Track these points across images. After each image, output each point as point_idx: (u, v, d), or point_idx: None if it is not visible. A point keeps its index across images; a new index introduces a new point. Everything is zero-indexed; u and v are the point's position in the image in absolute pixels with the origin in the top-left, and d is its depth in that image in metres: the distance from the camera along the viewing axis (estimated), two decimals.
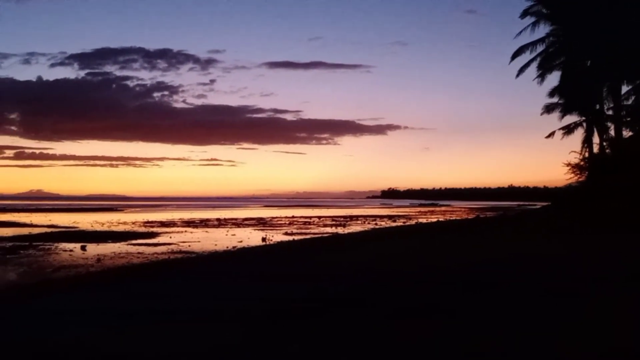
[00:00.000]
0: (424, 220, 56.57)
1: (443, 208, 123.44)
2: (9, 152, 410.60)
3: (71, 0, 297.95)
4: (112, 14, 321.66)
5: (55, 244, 27.16)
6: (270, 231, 39.47)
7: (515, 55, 39.84)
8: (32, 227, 43.13)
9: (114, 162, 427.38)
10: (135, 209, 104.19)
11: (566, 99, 40.41)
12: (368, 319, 8.41)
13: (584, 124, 40.89)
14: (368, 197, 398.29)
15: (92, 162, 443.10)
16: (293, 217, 66.92)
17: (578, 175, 41.88)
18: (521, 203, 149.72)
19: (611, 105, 40.37)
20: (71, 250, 24.29)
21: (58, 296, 11.13)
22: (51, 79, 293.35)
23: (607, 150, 39.81)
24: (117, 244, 27.80)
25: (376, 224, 49.77)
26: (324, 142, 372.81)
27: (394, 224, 49.29)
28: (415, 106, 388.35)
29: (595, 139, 40.27)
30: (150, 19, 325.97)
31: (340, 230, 40.92)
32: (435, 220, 57.19)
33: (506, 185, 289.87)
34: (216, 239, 31.84)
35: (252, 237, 33.31)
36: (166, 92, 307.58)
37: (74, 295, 11.11)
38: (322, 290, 10.78)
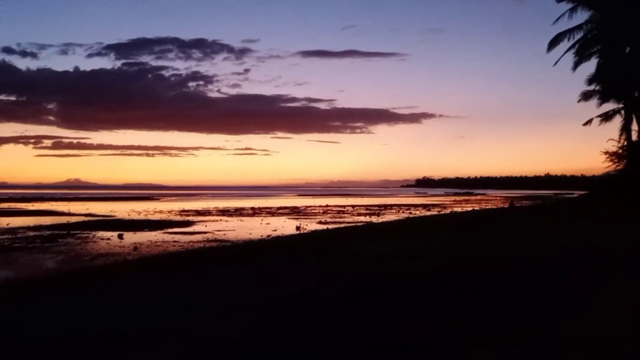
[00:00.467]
0: (459, 209, 56.16)
1: (478, 197, 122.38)
2: (47, 142, 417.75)
3: None
4: (147, 5, 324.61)
5: (93, 233, 27.54)
6: (304, 220, 39.53)
7: (552, 42, 39.06)
8: (70, 215, 43.85)
9: (150, 152, 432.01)
10: (171, 198, 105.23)
11: (604, 86, 39.62)
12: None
13: (622, 111, 40.03)
14: (402, 186, 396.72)
15: (128, 151, 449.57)
16: (327, 206, 66.95)
17: (616, 164, 41.15)
18: (558, 192, 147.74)
19: None
20: (108, 239, 24.60)
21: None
22: (88, 69, 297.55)
23: None
24: (154, 233, 28.09)
25: (410, 213, 49.55)
26: (358, 131, 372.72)
27: (428, 213, 48.99)
28: (450, 94, 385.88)
29: (634, 126, 39.37)
30: (185, 9, 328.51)
31: (374, 219, 40.82)
32: (470, 209, 56.75)
33: (543, 174, 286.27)
34: (251, 228, 31.99)
35: (286, 226, 33.39)
36: (201, 82, 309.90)
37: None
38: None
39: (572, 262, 12.58)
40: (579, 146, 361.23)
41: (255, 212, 51.51)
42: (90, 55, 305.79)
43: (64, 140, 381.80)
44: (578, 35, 38.01)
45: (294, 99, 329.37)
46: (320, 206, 65.34)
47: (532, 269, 11.65)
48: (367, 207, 63.54)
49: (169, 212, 51.19)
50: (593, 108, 41.83)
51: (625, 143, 39.64)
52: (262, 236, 25.99)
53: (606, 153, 41.13)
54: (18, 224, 32.85)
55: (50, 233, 27.18)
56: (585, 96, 41.32)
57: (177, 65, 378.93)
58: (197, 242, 23.67)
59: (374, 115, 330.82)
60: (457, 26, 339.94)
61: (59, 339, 6.68)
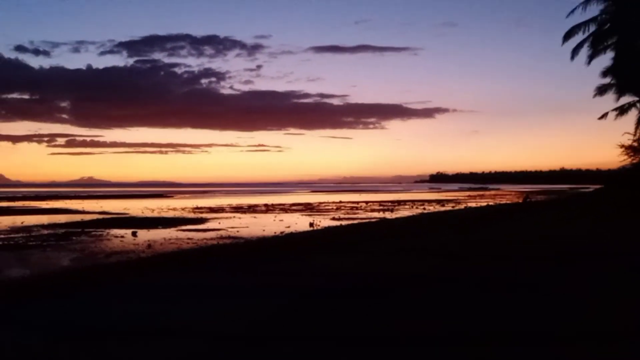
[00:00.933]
0: (474, 204, 55.89)
1: (493, 192, 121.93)
2: (61, 140, 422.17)
3: None
4: (159, 1, 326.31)
5: (107, 230, 27.62)
6: (317, 216, 39.50)
7: (567, 36, 38.66)
8: (84, 213, 44.05)
9: (163, 149, 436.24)
10: (184, 195, 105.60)
11: (620, 80, 39.21)
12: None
13: (638, 105, 39.64)
14: (416, 182, 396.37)
15: (141, 149, 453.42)
16: (340, 202, 66.89)
17: (632, 157, 40.81)
18: (573, 186, 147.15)
19: None
20: (122, 236, 24.65)
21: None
22: (100, 67, 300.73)
23: None
24: (167, 230, 28.14)
25: (424, 209, 49.37)
26: (371, 126, 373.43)
27: (442, 209, 48.81)
28: (463, 88, 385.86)
29: None
30: (196, 6, 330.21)
31: (388, 215, 40.71)
32: (484, 204, 56.49)
33: (558, 168, 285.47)
34: (264, 225, 31.98)
35: (299, 222, 33.36)
36: (213, 79, 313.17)
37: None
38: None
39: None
40: (594, 140, 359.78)
41: (268, 208, 51.53)
42: (102, 53, 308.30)
43: (77, 138, 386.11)
44: (592, 28, 37.60)
45: (307, 95, 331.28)
46: (333, 202, 65.30)
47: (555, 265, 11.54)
48: (380, 203, 63.42)
49: (183, 209, 51.31)
50: (608, 102, 41.42)
51: None
52: (275, 233, 25.94)
53: (622, 146, 40.81)
54: (32, 222, 33.01)
55: (65, 231, 27.28)
56: (601, 91, 40.87)
57: (190, 62, 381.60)
58: (211, 239, 23.67)
59: (387, 111, 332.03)
60: (470, 20, 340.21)
61: (73, 336, 6.64)
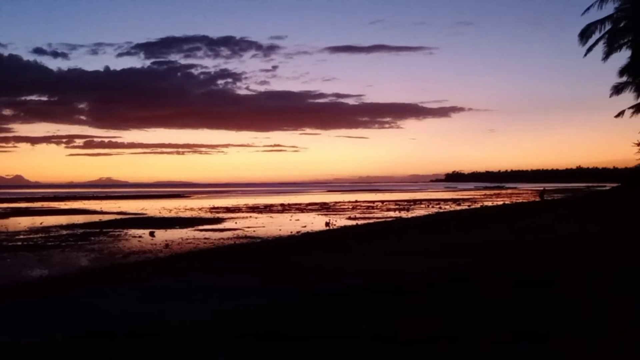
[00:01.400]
0: (490, 204, 55.70)
1: (509, 191, 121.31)
2: (79, 141, 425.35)
3: None
4: (176, 3, 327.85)
5: (125, 230, 27.83)
6: (333, 216, 39.54)
7: (583, 33, 38.43)
8: (102, 214, 44.38)
9: (180, 150, 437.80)
10: (201, 195, 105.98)
11: (637, 78, 38.90)
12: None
13: None
14: (432, 181, 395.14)
15: (159, 149, 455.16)
16: (356, 201, 66.88)
17: None
18: (590, 184, 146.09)
19: None
20: (140, 236, 24.84)
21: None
22: (118, 68, 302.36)
23: None
24: (184, 230, 28.31)
25: (440, 208, 49.27)
26: (387, 125, 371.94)
27: (458, 208, 48.69)
28: (479, 87, 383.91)
29: None
30: (213, 7, 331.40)
31: (404, 214, 40.68)
32: (501, 203, 56.30)
33: (574, 167, 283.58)
34: (280, 224, 32.08)
35: (315, 222, 33.43)
36: (230, 80, 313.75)
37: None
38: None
39: None
40: (611, 138, 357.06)
41: (284, 208, 51.64)
42: (120, 55, 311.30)
43: (95, 139, 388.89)
44: (608, 26, 37.35)
45: (322, 95, 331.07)
46: (349, 202, 65.30)
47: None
48: (396, 202, 63.34)
49: (199, 209, 51.54)
50: (624, 100, 41.17)
51: None
52: (291, 232, 26.03)
53: (638, 144, 40.52)
54: (51, 223, 33.32)
55: (83, 231, 27.52)
56: (617, 89, 40.55)
57: (206, 63, 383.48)
58: (227, 239, 23.79)
59: (403, 110, 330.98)
60: (485, 19, 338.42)
61: (85, 334, 6.75)
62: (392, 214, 41.75)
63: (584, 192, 72.23)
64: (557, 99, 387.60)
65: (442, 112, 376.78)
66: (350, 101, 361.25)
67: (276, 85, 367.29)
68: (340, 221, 34.05)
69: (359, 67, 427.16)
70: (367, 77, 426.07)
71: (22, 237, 25.17)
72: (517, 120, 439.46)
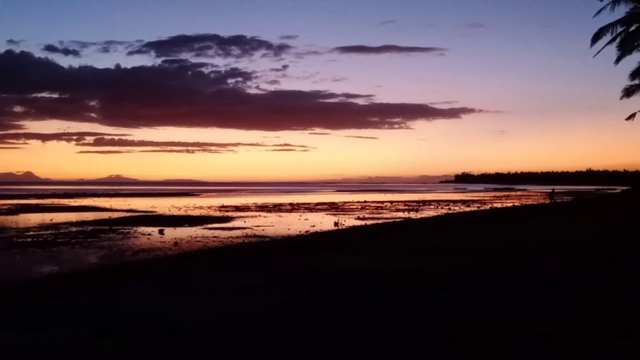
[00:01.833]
0: (499, 205, 55.58)
1: (519, 192, 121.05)
2: (90, 139, 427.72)
3: None
4: (187, 2, 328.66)
5: (134, 228, 27.92)
6: (342, 216, 39.55)
7: (595, 37, 38.29)
8: (112, 211, 44.56)
9: (190, 148, 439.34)
10: (210, 194, 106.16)
11: None
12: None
13: None
14: (441, 182, 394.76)
15: (168, 147, 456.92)
16: (365, 201, 66.85)
17: None
18: (600, 187, 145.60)
19: None
20: (149, 234, 24.91)
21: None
22: (129, 66, 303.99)
23: None
24: (194, 228, 28.37)
25: (449, 209, 49.19)
26: (396, 126, 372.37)
27: (467, 209, 48.60)
28: (490, 89, 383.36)
29: None
30: (223, 6, 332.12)
31: (412, 215, 40.64)
32: (510, 204, 56.15)
33: (584, 169, 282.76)
34: (289, 224, 32.10)
35: (324, 222, 33.44)
36: (240, 79, 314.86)
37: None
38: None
39: None
40: (622, 141, 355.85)
41: (293, 207, 51.69)
42: (130, 53, 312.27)
43: (105, 137, 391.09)
44: (620, 29, 37.19)
45: (332, 95, 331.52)
46: (358, 202, 65.29)
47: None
48: (405, 203, 63.27)
49: (209, 207, 51.66)
50: (636, 102, 40.98)
51: None
52: (300, 232, 26.07)
53: None
54: (61, 220, 33.49)
55: (93, 228, 27.64)
56: (628, 92, 40.37)
57: (217, 62, 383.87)
58: (236, 237, 23.84)
59: (413, 111, 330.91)
60: (496, 20, 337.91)
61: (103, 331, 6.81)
62: (401, 214, 41.72)
63: (593, 195, 71.90)
64: (567, 101, 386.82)
65: (452, 113, 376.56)
66: (360, 101, 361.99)
67: (286, 85, 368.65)
68: (349, 221, 34.06)
69: (369, 67, 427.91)
70: (377, 77, 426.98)
71: (32, 233, 25.31)
72: (528, 122, 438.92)
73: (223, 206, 54.17)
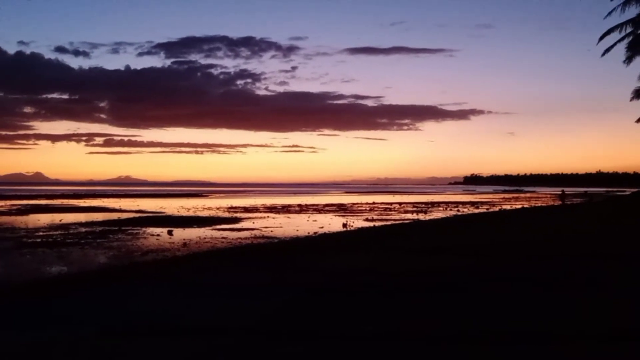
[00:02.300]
0: (508, 207, 55.46)
1: (528, 194, 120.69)
2: (99, 140, 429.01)
3: None
4: (196, 3, 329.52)
5: (143, 229, 28.01)
6: (351, 217, 39.53)
7: (603, 37, 38.18)
8: (121, 212, 44.72)
9: (199, 149, 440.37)
10: (219, 195, 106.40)
11: None
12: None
13: None
14: (450, 183, 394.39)
15: (177, 148, 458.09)
16: (374, 203, 66.80)
17: None
18: (610, 189, 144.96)
19: None
20: (158, 235, 24.98)
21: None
22: (139, 67, 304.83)
23: None
24: (202, 229, 28.44)
25: (458, 211, 49.10)
26: (405, 127, 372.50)
27: (476, 211, 48.48)
28: (499, 90, 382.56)
29: None
30: (233, 8, 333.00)
31: (421, 216, 40.59)
32: (519, 206, 56.00)
33: (594, 171, 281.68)
34: (298, 225, 32.12)
35: (333, 223, 33.43)
36: (249, 80, 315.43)
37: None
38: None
39: None
40: (632, 142, 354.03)
41: (302, 209, 51.71)
42: (140, 54, 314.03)
43: (115, 137, 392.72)
44: (630, 29, 37.03)
45: (341, 96, 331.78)
46: (366, 203, 65.24)
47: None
48: (414, 204, 63.21)
49: (217, 208, 51.76)
50: None
51: None
52: (308, 233, 26.08)
53: None
54: (71, 220, 33.65)
55: (102, 229, 27.75)
56: (638, 94, 40.24)
57: (226, 64, 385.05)
58: (245, 238, 23.88)
59: (422, 112, 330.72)
60: (506, 22, 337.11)
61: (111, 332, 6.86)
62: (409, 215, 41.68)
63: (603, 197, 71.54)
64: (577, 102, 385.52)
65: (462, 114, 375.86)
66: (369, 102, 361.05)
67: (295, 86, 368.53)
68: (357, 222, 34.06)
69: (378, 68, 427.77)
70: (386, 78, 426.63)
71: (41, 233, 25.44)
72: (537, 124, 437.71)
73: (232, 207, 54.28)
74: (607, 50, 38.03)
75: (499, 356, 5.77)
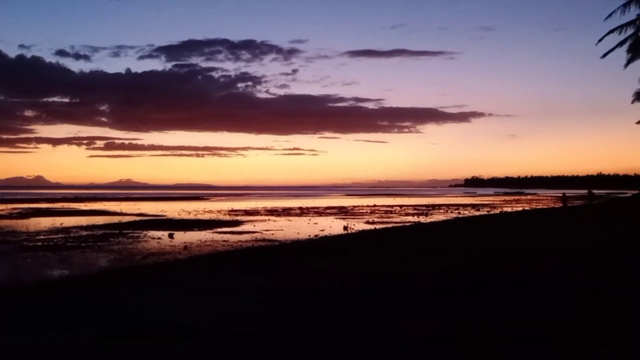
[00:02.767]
0: (509, 209, 55.45)
1: (529, 197, 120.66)
2: (100, 143, 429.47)
3: None
4: (197, 7, 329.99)
5: (144, 232, 28.02)
6: (351, 220, 39.53)
7: (603, 39, 38.19)
8: (122, 215, 44.74)
9: (199, 152, 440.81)
10: (220, 198, 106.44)
11: None
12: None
13: None
14: (451, 186, 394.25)
15: (178, 152, 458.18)
16: (375, 205, 66.79)
17: None
18: (611, 191, 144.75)
19: None
20: (159, 238, 24.99)
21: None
22: (139, 71, 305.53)
23: None
24: (203, 232, 28.45)
25: (459, 213, 49.10)
26: (406, 130, 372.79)
27: (477, 213, 48.47)
28: (500, 92, 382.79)
29: None
30: (234, 11, 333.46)
31: (422, 219, 40.58)
32: (520, 209, 55.99)
33: (595, 173, 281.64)
34: (298, 228, 32.12)
35: (333, 226, 33.42)
36: (250, 83, 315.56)
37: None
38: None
39: None
40: (633, 144, 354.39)
41: (303, 212, 51.72)
42: (141, 57, 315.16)
43: (116, 141, 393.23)
44: (630, 31, 37.06)
45: (342, 99, 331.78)
46: (367, 206, 65.24)
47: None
48: (415, 207, 63.19)
49: (218, 211, 51.78)
50: None
51: None
52: (309, 236, 26.08)
53: None
54: (72, 224, 33.66)
55: (103, 232, 27.76)
56: (639, 96, 40.29)
57: (227, 67, 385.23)
58: (246, 241, 23.88)
59: (422, 115, 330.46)
60: (507, 24, 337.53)
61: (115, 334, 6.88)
62: (410, 218, 41.67)
63: (604, 199, 71.46)
64: (578, 104, 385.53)
65: (462, 117, 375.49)
66: (370, 105, 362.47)
67: (296, 89, 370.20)
68: (358, 225, 34.04)
69: (379, 71, 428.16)
70: (387, 81, 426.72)
71: (42, 237, 25.45)
72: (538, 126, 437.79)
73: (232, 210, 54.31)
74: (608, 53, 38.05)
75: (499, 358, 5.78)
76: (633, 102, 40.84)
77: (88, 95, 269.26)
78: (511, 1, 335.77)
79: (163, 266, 14.56)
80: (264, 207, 60.64)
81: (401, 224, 33.63)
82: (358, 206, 65.11)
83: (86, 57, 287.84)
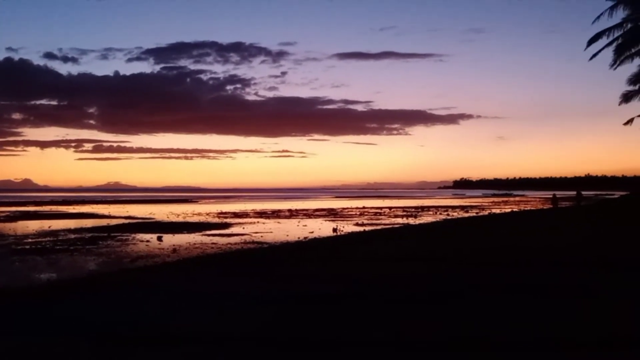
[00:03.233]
0: (497, 211, 55.64)
1: (517, 198, 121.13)
2: (88, 146, 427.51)
3: None
4: (186, 9, 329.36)
5: (133, 235, 27.92)
6: (341, 222, 39.55)
7: (591, 41, 38.34)
8: (110, 218, 44.55)
9: (188, 155, 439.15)
10: (209, 200, 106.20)
11: None
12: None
13: None
14: (440, 188, 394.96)
15: (167, 154, 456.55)
16: (364, 207, 66.88)
17: None
18: (599, 192, 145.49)
19: None
20: (148, 241, 24.91)
21: None
22: (128, 73, 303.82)
23: None
24: (192, 235, 28.38)
25: (448, 215, 49.23)
26: (395, 132, 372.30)
27: (466, 215, 48.62)
28: (488, 95, 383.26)
29: None
30: (222, 13, 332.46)
31: (411, 220, 40.65)
32: (509, 210, 56.19)
33: (583, 174, 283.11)
34: (288, 230, 32.11)
35: (323, 228, 33.44)
36: (239, 85, 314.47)
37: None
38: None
39: None
40: (620, 146, 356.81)
41: (292, 214, 51.72)
42: (130, 60, 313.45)
43: (104, 143, 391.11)
44: (617, 33, 37.29)
45: (331, 101, 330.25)
46: (357, 208, 65.34)
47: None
48: (404, 208, 63.30)
49: (207, 214, 51.68)
50: (634, 107, 41.04)
51: None
52: (299, 238, 26.07)
53: None
54: (60, 227, 33.49)
55: (91, 235, 27.63)
56: (626, 97, 40.44)
57: (215, 69, 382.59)
58: (235, 244, 23.85)
59: (411, 117, 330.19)
60: (496, 26, 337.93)
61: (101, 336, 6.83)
62: (399, 220, 41.78)
63: (593, 200, 71.73)
64: (566, 106, 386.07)
65: (451, 119, 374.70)
66: (359, 107, 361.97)
67: (285, 91, 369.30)
68: (347, 227, 34.07)
69: (368, 73, 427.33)
70: (376, 83, 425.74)
71: (30, 240, 25.31)
72: (527, 128, 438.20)
73: (221, 212, 54.20)
74: (595, 55, 38.25)
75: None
76: (620, 103, 40.98)
77: (76, 98, 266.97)
78: (500, 4, 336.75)
79: (152, 269, 14.47)
80: (253, 210, 60.56)
81: (390, 226, 33.67)
82: (347, 208, 65.17)
83: (74, 60, 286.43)
